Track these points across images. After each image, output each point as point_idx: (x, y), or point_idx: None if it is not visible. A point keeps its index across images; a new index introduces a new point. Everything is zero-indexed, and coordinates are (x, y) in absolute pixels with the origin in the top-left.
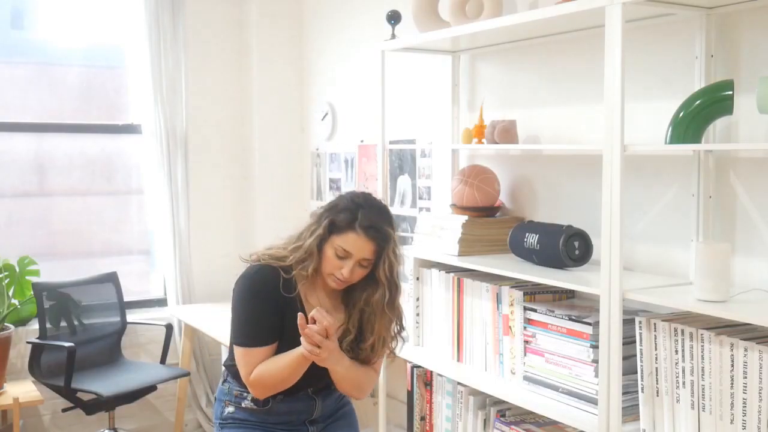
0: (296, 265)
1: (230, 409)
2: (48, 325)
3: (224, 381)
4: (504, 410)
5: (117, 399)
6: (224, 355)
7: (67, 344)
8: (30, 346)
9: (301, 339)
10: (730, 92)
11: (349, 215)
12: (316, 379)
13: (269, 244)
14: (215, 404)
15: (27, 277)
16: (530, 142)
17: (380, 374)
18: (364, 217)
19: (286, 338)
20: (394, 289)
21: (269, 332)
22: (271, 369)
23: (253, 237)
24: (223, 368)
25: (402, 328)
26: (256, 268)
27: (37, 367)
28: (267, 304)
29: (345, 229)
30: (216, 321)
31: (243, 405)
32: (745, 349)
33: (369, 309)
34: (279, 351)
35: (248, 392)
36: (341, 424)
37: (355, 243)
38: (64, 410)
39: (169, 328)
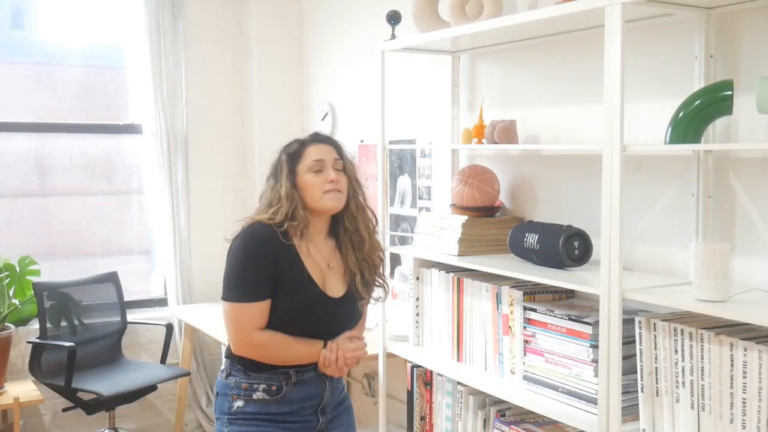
0: (286, 220)
1: (239, 403)
2: (48, 325)
3: (228, 375)
4: (504, 410)
5: (117, 399)
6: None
7: (67, 344)
8: (30, 345)
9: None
10: (730, 92)
11: (297, 143)
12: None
13: (247, 216)
14: (218, 399)
15: (27, 277)
16: (530, 142)
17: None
18: (307, 136)
19: (286, 291)
20: (358, 188)
21: (265, 288)
22: (282, 345)
23: None
24: (226, 360)
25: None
26: (252, 226)
27: (37, 367)
28: (265, 259)
29: (303, 150)
30: (216, 321)
31: (255, 397)
32: (745, 349)
33: (357, 236)
34: (279, 304)
35: (259, 383)
36: (344, 420)
37: (319, 150)
38: (65, 410)
39: (169, 327)
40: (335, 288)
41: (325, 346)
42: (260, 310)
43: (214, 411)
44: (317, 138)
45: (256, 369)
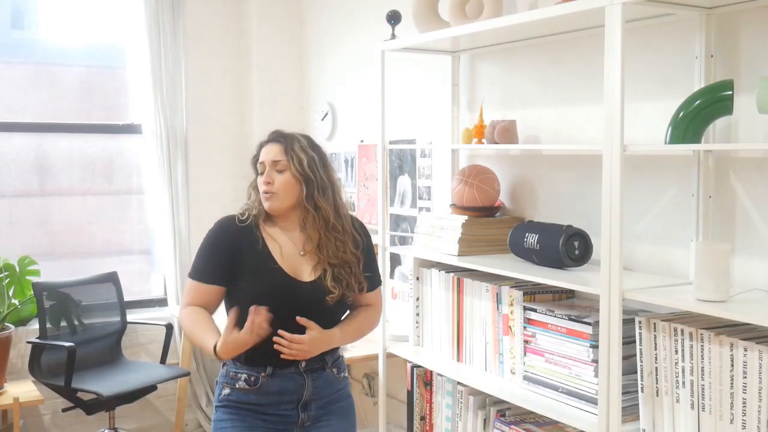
0: (250, 214)
1: (227, 391)
2: (48, 325)
3: (224, 364)
4: (504, 410)
5: (117, 399)
6: None
7: (67, 344)
8: (30, 345)
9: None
10: (730, 92)
11: (259, 144)
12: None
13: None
14: (216, 387)
15: (27, 277)
16: (530, 142)
17: (382, 305)
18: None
19: (251, 272)
20: (312, 183)
21: (213, 273)
22: (187, 326)
23: None
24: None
25: (363, 235)
26: (220, 218)
27: (37, 367)
28: (218, 247)
29: (259, 151)
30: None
31: (237, 386)
32: (745, 349)
33: (315, 234)
34: (247, 287)
35: (242, 372)
36: (335, 420)
37: (265, 152)
38: (65, 410)
39: (169, 327)
40: (305, 274)
41: (216, 346)
42: (198, 289)
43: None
44: (269, 138)
45: (242, 360)
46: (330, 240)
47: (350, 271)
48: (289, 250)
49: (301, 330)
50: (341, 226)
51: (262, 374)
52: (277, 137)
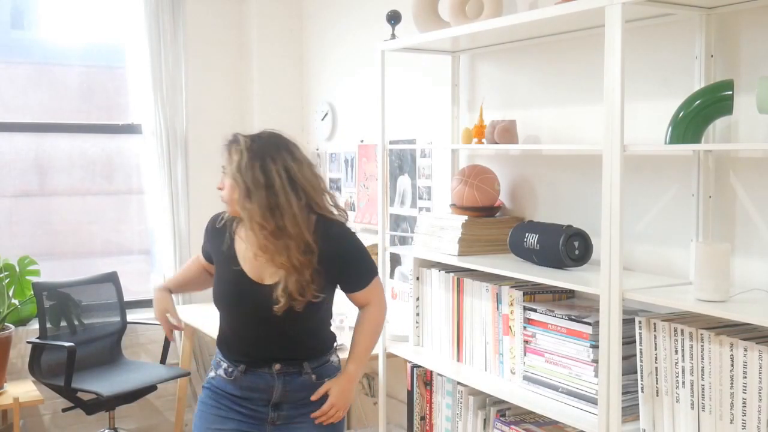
0: (227, 213)
1: (212, 374)
2: (48, 325)
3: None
4: (504, 410)
5: (117, 399)
6: None
7: (67, 344)
8: (30, 345)
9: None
10: (730, 92)
11: None
12: (281, 350)
13: None
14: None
15: (27, 277)
16: (530, 142)
17: (383, 294)
18: None
19: (216, 272)
20: (240, 185)
21: (205, 252)
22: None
23: None
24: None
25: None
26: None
27: (37, 367)
28: (206, 236)
29: None
30: (216, 320)
31: (218, 372)
32: (745, 349)
33: (264, 236)
34: (215, 278)
35: (224, 362)
36: (306, 426)
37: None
38: (65, 410)
39: None
40: (267, 277)
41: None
42: (197, 259)
43: None
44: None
45: (225, 350)
46: (269, 244)
47: (299, 278)
48: (249, 250)
49: (266, 329)
50: (282, 230)
51: (238, 368)
52: (227, 141)
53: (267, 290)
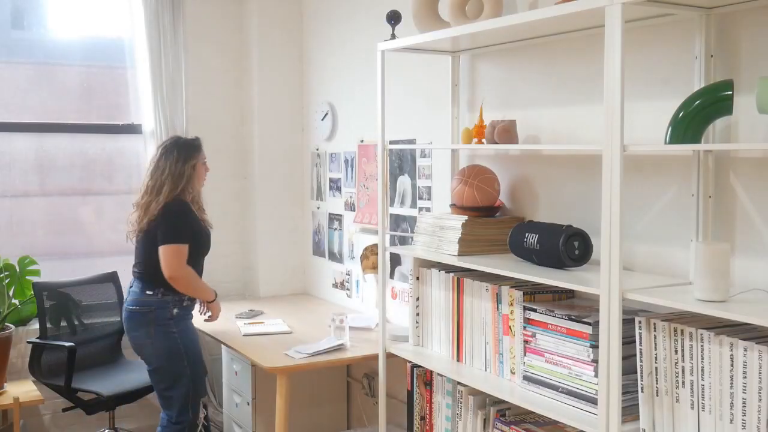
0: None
1: (176, 310)
2: (48, 325)
3: (160, 299)
4: (504, 410)
5: (117, 399)
6: (225, 355)
7: (67, 344)
8: (30, 345)
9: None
10: (730, 92)
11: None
12: None
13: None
14: (157, 312)
15: (27, 277)
16: (530, 142)
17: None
18: None
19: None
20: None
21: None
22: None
23: (253, 237)
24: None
25: None
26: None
27: (37, 367)
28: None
29: (201, 152)
30: (216, 320)
31: (183, 304)
32: (745, 349)
33: (199, 207)
34: (194, 247)
35: (181, 299)
36: None
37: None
38: (65, 410)
39: None
40: None
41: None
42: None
43: (150, 325)
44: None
45: (173, 291)
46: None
47: None
48: None
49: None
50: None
51: (186, 300)
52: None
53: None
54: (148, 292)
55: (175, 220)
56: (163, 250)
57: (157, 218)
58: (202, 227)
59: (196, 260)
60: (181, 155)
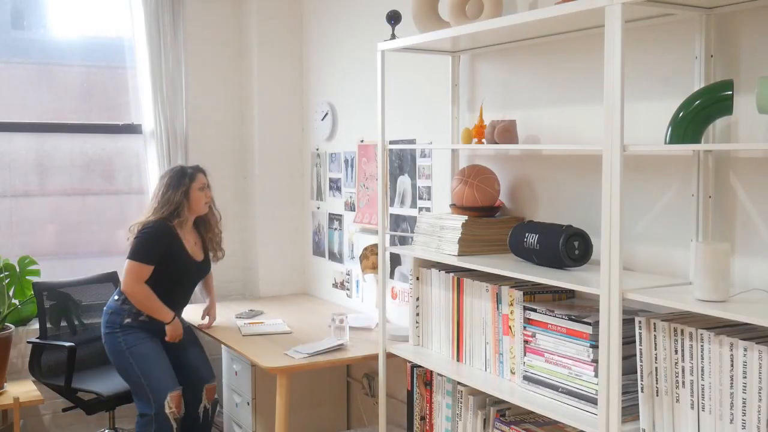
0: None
1: (128, 320)
2: (48, 325)
3: (121, 306)
4: (504, 410)
5: (117, 398)
6: (225, 355)
7: (67, 344)
8: (30, 345)
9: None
10: (730, 92)
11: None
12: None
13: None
14: (108, 319)
15: (27, 277)
16: (530, 142)
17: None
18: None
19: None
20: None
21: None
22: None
23: (253, 237)
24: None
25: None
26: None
27: (37, 367)
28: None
29: (196, 176)
30: (216, 320)
31: (140, 319)
32: (745, 349)
33: (212, 233)
34: (166, 269)
35: (139, 314)
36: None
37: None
38: (65, 410)
39: None
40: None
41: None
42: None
43: (104, 325)
44: (200, 169)
45: (136, 309)
46: None
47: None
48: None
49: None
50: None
51: (145, 315)
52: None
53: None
54: (114, 297)
55: (143, 238)
56: (125, 265)
57: (134, 234)
58: (182, 255)
59: (163, 284)
60: (172, 182)
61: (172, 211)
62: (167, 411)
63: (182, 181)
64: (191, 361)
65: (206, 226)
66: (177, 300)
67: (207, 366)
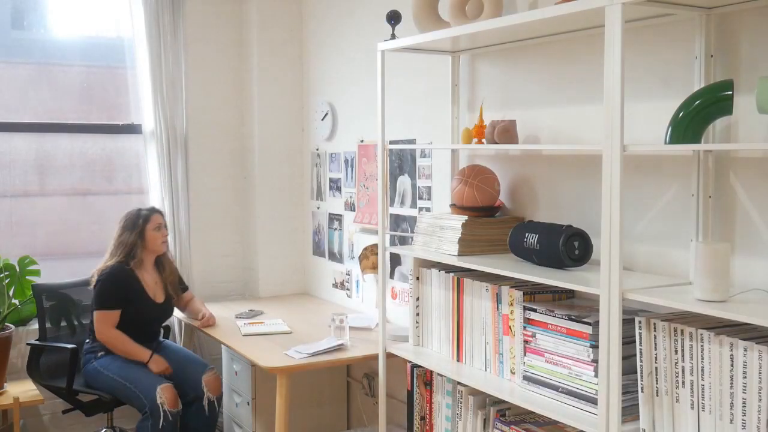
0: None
1: (102, 352)
2: (48, 325)
3: (95, 345)
4: (504, 410)
5: (117, 400)
6: (225, 355)
7: (69, 345)
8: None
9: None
10: (730, 92)
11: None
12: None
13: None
14: (86, 357)
15: (27, 277)
16: (530, 142)
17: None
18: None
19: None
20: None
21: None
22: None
23: (253, 237)
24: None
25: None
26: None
27: (36, 369)
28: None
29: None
30: (216, 320)
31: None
32: (745, 349)
33: (167, 274)
34: (127, 311)
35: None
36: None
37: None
38: (65, 412)
39: (166, 330)
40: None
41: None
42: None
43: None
44: (156, 210)
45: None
46: None
47: None
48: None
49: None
50: None
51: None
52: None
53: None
54: (87, 340)
55: (101, 286)
56: (94, 316)
57: (94, 282)
58: (142, 296)
59: (127, 326)
60: (127, 224)
61: (127, 252)
62: (159, 402)
63: (137, 223)
64: (179, 362)
65: (162, 268)
66: (145, 340)
67: (196, 359)
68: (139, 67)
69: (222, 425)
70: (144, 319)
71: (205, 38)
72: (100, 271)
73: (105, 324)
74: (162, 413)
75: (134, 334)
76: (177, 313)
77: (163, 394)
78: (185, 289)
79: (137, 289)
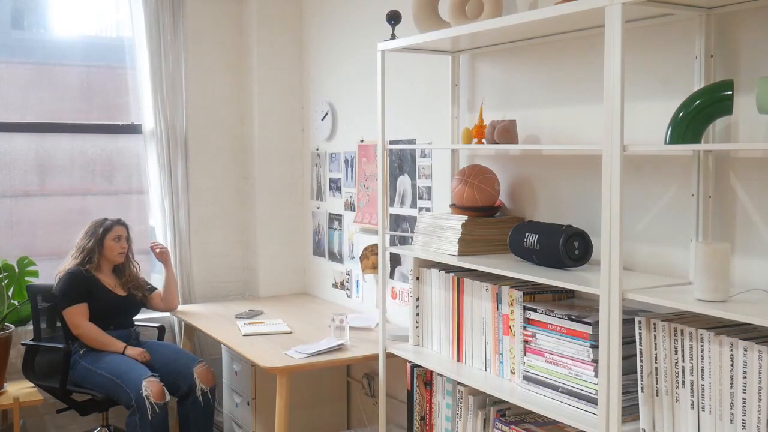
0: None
1: (83, 350)
2: (43, 326)
3: (77, 346)
4: (504, 410)
5: (111, 400)
6: (225, 355)
7: (62, 345)
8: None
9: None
10: (730, 92)
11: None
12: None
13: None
14: (74, 358)
15: (26, 278)
16: (530, 142)
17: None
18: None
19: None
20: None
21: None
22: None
23: (253, 237)
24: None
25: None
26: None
27: (30, 369)
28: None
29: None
30: (216, 320)
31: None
32: (745, 349)
33: (128, 279)
34: (91, 305)
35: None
36: None
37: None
38: (59, 411)
39: (161, 330)
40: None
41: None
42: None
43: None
44: (119, 221)
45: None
46: None
47: None
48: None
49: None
50: None
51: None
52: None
53: None
54: (63, 345)
55: (60, 287)
56: (64, 315)
57: (55, 284)
58: (102, 290)
59: (98, 317)
60: (89, 231)
61: (85, 257)
62: (144, 394)
63: (97, 231)
64: (167, 356)
65: (121, 274)
66: (119, 335)
67: (185, 353)
68: (139, 67)
69: (222, 425)
70: (109, 310)
71: (205, 38)
72: (58, 274)
73: (78, 317)
74: (149, 405)
75: (104, 327)
76: (177, 311)
77: (149, 387)
78: (153, 289)
79: (96, 285)
